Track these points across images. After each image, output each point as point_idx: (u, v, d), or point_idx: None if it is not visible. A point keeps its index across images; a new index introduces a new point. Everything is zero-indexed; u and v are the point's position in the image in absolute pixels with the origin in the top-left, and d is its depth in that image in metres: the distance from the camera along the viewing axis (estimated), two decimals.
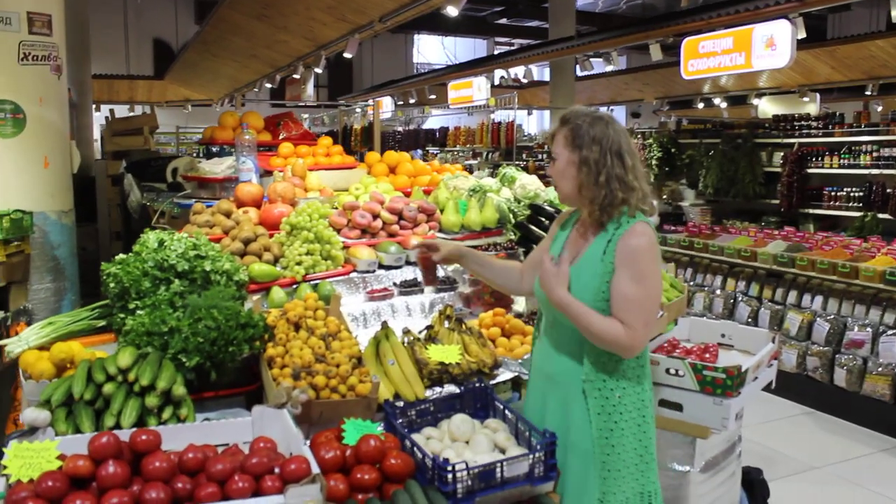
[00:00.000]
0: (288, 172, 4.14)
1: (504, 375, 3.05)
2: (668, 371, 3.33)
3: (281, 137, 4.94)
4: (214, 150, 4.89)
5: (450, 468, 2.26)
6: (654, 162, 10.20)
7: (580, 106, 2.53)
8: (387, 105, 16.62)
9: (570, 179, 2.39)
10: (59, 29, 4.32)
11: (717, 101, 15.07)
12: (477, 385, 2.86)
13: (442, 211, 4.02)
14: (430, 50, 25.15)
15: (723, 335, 3.93)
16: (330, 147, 4.63)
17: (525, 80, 12.15)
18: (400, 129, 16.31)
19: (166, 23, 20.89)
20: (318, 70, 10.55)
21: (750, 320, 6.88)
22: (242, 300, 3.06)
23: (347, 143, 9.62)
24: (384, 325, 2.97)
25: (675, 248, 7.91)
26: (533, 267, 2.68)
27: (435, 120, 19.48)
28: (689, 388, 3.29)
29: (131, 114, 11.47)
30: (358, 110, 9.90)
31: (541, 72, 17.17)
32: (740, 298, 7.07)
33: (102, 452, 2.02)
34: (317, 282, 3.31)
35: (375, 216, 3.75)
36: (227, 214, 3.48)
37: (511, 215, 4.20)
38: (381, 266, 3.61)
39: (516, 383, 3.11)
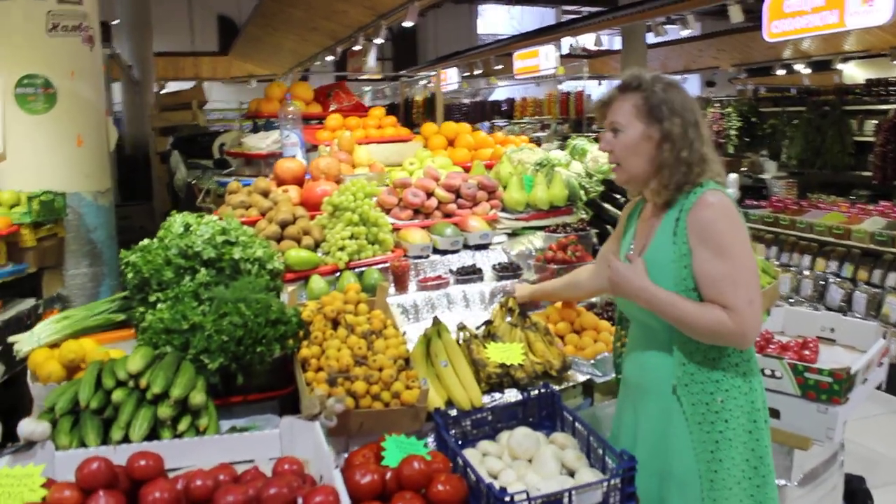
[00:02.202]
0: (335, 147, 3.78)
1: (574, 379, 2.64)
2: (762, 371, 2.87)
3: (332, 109, 4.58)
4: (260, 123, 4.57)
5: (508, 499, 1.88)
6: (732, 132, 9.55)
7: (638, 69, 2.16)
8: (452, 77, 16.17)
9: (644, 157, 2.05)
10: None
11: (798, 66, 14.14)
12: (543, 391, 2.47)
13: (505, 188, 3.60)
14: (496, 20, 24.50)
15: (823, 328, 3.43)
16: (382, 118, 4.24)
17: (595, 48, 11.54)
18: (466, 101, 15.84)
19: None
20: (379, 41, 10.16)
21: (843, 304, 6.28)
22: (278, 291, 2.71)
23: (409, 115, 9.23)
24: (435, 320, 2.59)
25: (758, 224, 7.31)
26: (605, 263, 2.35)
27: (502, 91, 18.92)
28: (788, 393, 2.86)
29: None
30: (422, 82, 9.47)
31: (611, 40, 16.47)
32: (832, 280, 6.46)
33: (92, 481, 1.69)
34: (362, 269, 2.94)
35: (430, 194, 3.35)
36: (265, 194, 3.13)
37: (582, 192, 3.76)
38: (435, 250, 3.23)
39: (588, 388, 2.70)
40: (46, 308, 3.57)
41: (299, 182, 3.37)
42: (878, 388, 3.30)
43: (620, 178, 2.13)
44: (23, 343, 2.53)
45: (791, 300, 6.76)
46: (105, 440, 2.10)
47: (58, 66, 3.77)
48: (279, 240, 2.90)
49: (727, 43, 14.48)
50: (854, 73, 13.22)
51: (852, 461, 4.44)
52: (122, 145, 7.32)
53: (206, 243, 2.65)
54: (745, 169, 9.86)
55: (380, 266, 2.98)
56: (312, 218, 3.08)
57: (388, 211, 3.30)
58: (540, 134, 13.62)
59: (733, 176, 8.74)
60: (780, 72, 14.75)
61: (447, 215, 3.38)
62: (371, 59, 10.70)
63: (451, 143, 4.25)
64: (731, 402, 2.05)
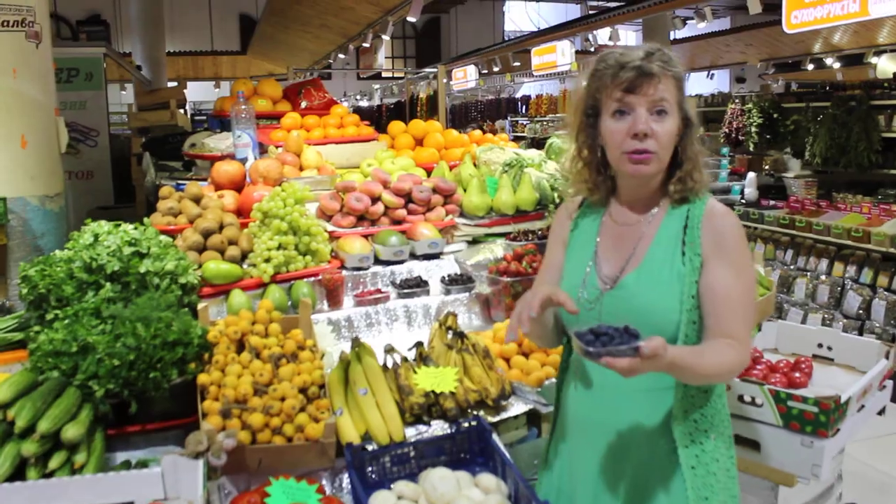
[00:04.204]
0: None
1: (516, 408, 2.35)
2: (741, 398, 2.58)
3: (303, 107, 4.33)
4: (227, 123, 4.32)
5: None
6: (753, 129, 9.12)
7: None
8: (471, 74, 15.88)
9: (672, 147, 1.74)
10: None
11: (829, 61, 13.62)
12: (473, 425, 2.19)
13: (466, 190, 3.32)
14: (521, 16, 24.17)
15: (820, 345, 3.10)
16: (344, 116, 3.98)
17: (612, 43, 11.16)
18: (482, 98, 15.56)
19: None
20: (386, 37, 9.97)
21: (861, 311, 5.89)
22: (193, 308, 2.46)
23: (414, 113, 8.98)
24: (356, 341, 2.32)
25: (774, 226, 6.93)
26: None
27: (528, 88, 18.60)
28: (770, 423, 2.55)
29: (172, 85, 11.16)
30: (423, 81, 9.19)
31: (637, 37, 16.03)
32: (850, 286, 6.07)
33: None
34: (291, 283, 2.68)
35: (375, 199, 3.08)
36: (197, 200, 2.89)
37: (555, 195, 3.46)
38: (378, 261, 2.95)
39: (534, 417, 2.41)
40: None
41: (238, 187, 3.12)
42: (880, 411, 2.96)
43: (651, 170, 1.71)
44: None
45: (806, 307, 6.38)
46: None
47: None
48: (201, 250, 2.65)
49: (755, 37, 14.00)
50: (888, 67, 12.67)
51: (859, 487, 4.09)
52: (122, 147, 7.17)
53: (111, 255, 2.42)
54: (768, 167, 9.44)
55: (310, 279, 2.72)
56: (245, 226, 2.83)
57: (329, 218, 3.03)
58: (562, 132, 13.27)
59: (752, 175, 8.35)
60: (810, 67, 14.24)
61: (396, 222, 3.10)
62: (381, 56, 10.51)
63: (419, 142, 3.98)
64: (720, 440, 1.80)
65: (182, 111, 6.20)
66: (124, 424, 2.22)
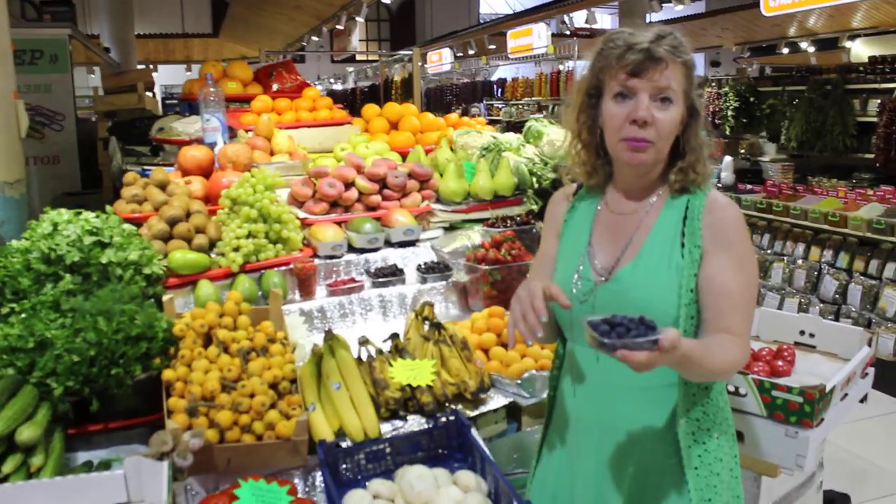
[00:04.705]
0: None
1: (496, 401, 2.28)
2: (725, 388, 2.51)
3: (274, 90, 4.21)
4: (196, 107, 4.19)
5: None
6: (729, 113, 9.10)
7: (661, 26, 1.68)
8: (446, 57, 15.74)
9: (673, 138, 1.65)
10: None
11: (804, 45, 13.62)
12: (451, 419, 2.11)
13: (442, 175, 3.23)
14: (497, 1, 24.01)
15: (802, 332, 3.06)
16: (317, 99, 3.86)
17: (588, 26, 11.10)
18: (457, 82, 15.43)
19: None
20: (360, 19, 9.80)
21: (837, 296, 5.89)
22: (158, 300, 2.36)
23: (388, 96, 8.85)
24: (328, 333, 2.23)
25: (751, 210, 6.90)
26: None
27: (504, 71, 18.47)
28: (753, 413, 2.48)
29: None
30: (398, 64, 9.04)
31: (613, 20, 15.95)
32: (826, 270, 6.07)
33: None
34: (261, 273, 2.58)
35: (349, 185, 2.97)
36: (163, 186, 2.77)
37: (534, 179, 3.38)
38: (351, 249, 2.86)
39: (515, 410, 2.33)
40: None
41: (206, 173, 3.00)
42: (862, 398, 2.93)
43: (648, 159, 1.62)
44: None
45: (783, 291, 6.37)
46: None
47: None
48: (167, 239, 2.54)
49: (731, 21, 13.95)
50: (862, 51, 12.68)
51: (837, 472, 4.08)
52: (90, 131, 6.97)
53: (71, 245, 2.31)
54: (744, 151, 9.43)
55: (281, 268, 2.62)
56: (214, 214, 2.72)
57: (301, 204, 2.93)
58: (537, 115, 13.19)
59: (728, 159, 8.33)
60: (785, 51, 14.24)
61: (371, 208, 3.00)
62: (355, 39, 10.35)
63: (394, 126, 3.87)
64: (723, 440, 1.73)
65: (150, 94, 6.02)
66: (86, 423, 2.12)
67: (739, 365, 1.61)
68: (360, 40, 17.54)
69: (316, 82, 17.50)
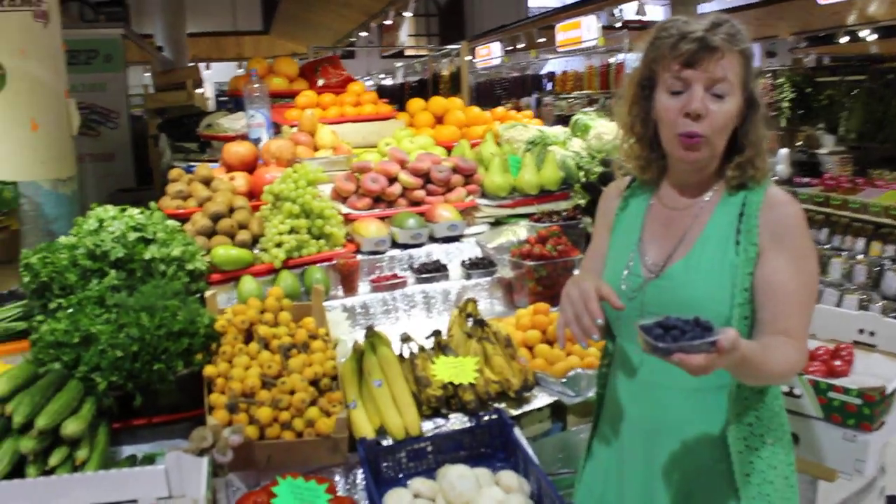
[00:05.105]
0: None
1: (540, 400, 2.23)
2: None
3: (320, 85, 4.20)
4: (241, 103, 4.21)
5: None
6: (785, 105, 8.85)
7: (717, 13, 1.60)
8: (495, 51, 15.64)
9: (728, 133, 1.56)
10: None
11: (863, 33, 13.19)
12: (493, 418, 2.07)
13: (487, 170, 3.18)
14: None
15: (861, 330, 2.93)
16: (361, 95, 3.84)
17: (639, 18, 10.91)
18: (507, 76, 15.33)
19: None
20: (408, 14, 9.82)
21: None
22: (201, 296, 2.36)
23: (436, 91, 8.82)
24: (370, 330, 2.21)
25: (808, 204, 6.69)
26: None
27: (554, 65, 18.31)
28: (809, 415, 2.39)
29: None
30: (446, 59, 8.99)
31: (665, 11, 15.66)
32: (888, 266, 5.85)
33: None
34: (303, 269, 2.57)
35: (392, 180, 2.95)
36: (207, 182, 2.78)
37: (582, 174, 3.31)
38: (395, 244, 2.83)
39: (560, 409, 2.28)
40: None
41: (250, 168, 3.00)
42: None
43: (702, 155, 1.55)
44: None
45: (842, 288, 6.17)
46: None
47: (7, 43, 3.46)
48: (211, 235, 2.54)
49: (786, 10, 13.58)
50: None
51: None
52: (143, 128, 7.09)
53: (115, 241, 2.32)
54: (801, 143, 9.17)
55: (324, 264, 2.61)
56: (257, 209, 2.72)
57: (344, 200, 2.91)
58: (588, 109, 13.03)
59: (784, 151, 8.10)
60: (844, 39, 13.81)
61: (415, 203, 2.97)
62: (403, 34, 10.35)
63: (439, 120, 3.83)
64: (779, 446, 1.64)
65: (199, 91, 6.09)
66: (131, 417, 2.13)
67: (797, 368, 1.53)
68: (408, 35, 17.55)
69: (365, 78, 17.58)
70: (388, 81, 17.04)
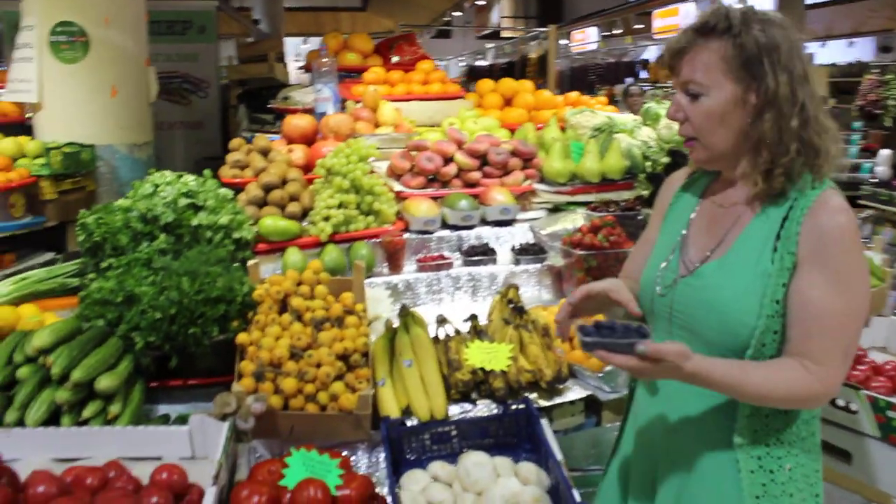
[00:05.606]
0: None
1: (574, 393, 2.17)
2: (834, 403, 2.30)
3: (394, 62, 4.20)
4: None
5: None
6: (891, 102, 8.36)
7: (724, 3, 1.53)
8: (591, 36, 15.36)
9: (734, 128, 1.46)
10: None
11: None
12: (520, 407, 2.03)
13: (547, 154, 3.11)
14: None
15: None
16: (429, 73, 3.81)
17: (741, 6, 10.48)
18: (601, 62, 15.02)
19: None
20: None
21: None
22: (244, 264, 2.40)
23: (523, 73, 8.71)
24: (403, 309, 2.19)
25: None
26: (639, 269, 1.73)
27: (652, 52, 17.88)
28: (865, 433, 2.26)
29: None
30: (546, 40, 8.84)
31: (768, 1, 15.02)
32: None
33: None
34: (350, 244, 2.57)
35: (448, 160, 2.91)
36: (265, 153, 2.81)
37: (649, 164, 3.20)
38: (445, 225, 2.80)
39: (595, 404, 2.22)
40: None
41: (309, 141, 3.02)
42: None
43: (699, 156, 1.52)
44: None
45: None
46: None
47: (91, 12, 3.59)
48: (262, 205, 2.57)
49: None
50: None
51: None
52: (227, 98, 7.25)
53: (166, 206, 2.38)
54: None
55: (370, 240, 2.60)
56: (311, 182, 2.73)
57: (399, 177, 2.90)
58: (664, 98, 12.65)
59: (886, 152, 7.65)
60: None
61: (470, 185, 2.93)
62: (495, 15, 10.26)
63: (508, 102, 3.77)
64: (799, 470, 1.49)
65: (281, 64, 6.18)
66: (168, 378, 2.18)
67: (811, 398, 1.39)
68: (505, 17, 17.38)
69: (459, 58, 17.53)
70: (483, 62, 16.98)
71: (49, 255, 3.41)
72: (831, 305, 1.37)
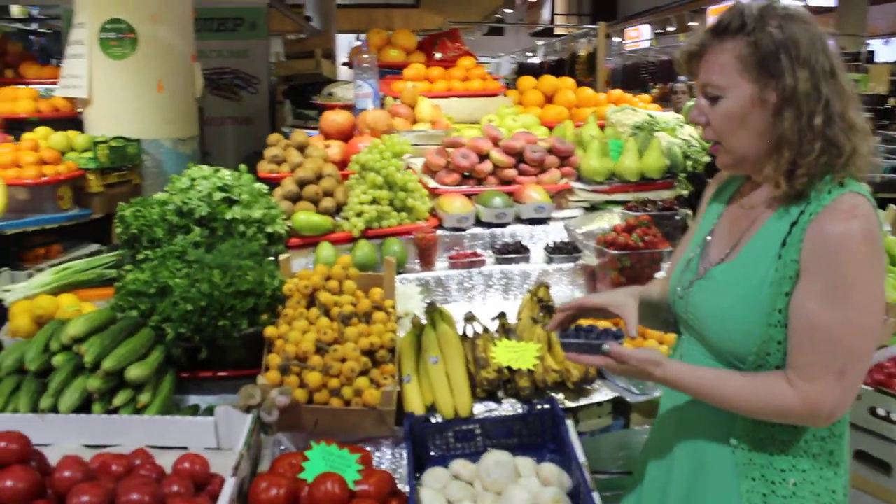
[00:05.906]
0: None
1: (601, 394, 2.14)
2: (873, 412, 2.23)
3: (437, 59, 4.20)
4: None
5: None
6: None
7: (744, 2, 1.43)
8: (644, 34, 15.18)
9: (755, 129, 1.39)
10: None
11: None
12: (545, 407, 2.01)
13: (585, 152, 3.07)
14: None
15: None
16: (470, 70, 3.80)
17: (800, 3, 10.23)
18: (654, 59, 14.79)
19: None
20: None
21: None
22: (277, 258, 2.42)
23: (573, 71, 8.62)
24: (431, 306, 2.19)
25: None
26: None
27: None
28: None
29: None
30: (595, 37, 8.73)
31: None
32: None
33: None
34: (382, 240, 2.58)
35: (483, 157, 2.90)
36: (301, 148, 2.84)
37: (690, 163, 3.14)
38: (479, 222, 2.79)
39: (623, 406, 2.18)
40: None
41: (346, 137, 3.04)
42: None
43: (724, 161, 1.47)
44: (15, 292, 2.42)
45: None
46: (34, 408, 1.93)
47: (140, 9, 3.67)
48: (296, 200, 2.59)
49: None
50: None
51: None
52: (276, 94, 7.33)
53: (202, 200, 2.41)
54: None
55: (403, 237, 2.60)
56: (346, 178, 2.75)
57: (434, 174, 2.89)
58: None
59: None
60: None
61: (505, 182, 2.91)
62: (546, 12, 10.20)
63: (549, 99, 3.73)
64: (806, 487, 1.42)
65: (328, 61, 6.23)
66: (199, 369, 2.22)
67: (790, 414, 1.34)
68: (558, 14, 17.26)
69: (510, 55, 17.47)
70: (534, 60, 16.87)
71: (94, 247, 3.50)
72: (825, 318, 1.30)
